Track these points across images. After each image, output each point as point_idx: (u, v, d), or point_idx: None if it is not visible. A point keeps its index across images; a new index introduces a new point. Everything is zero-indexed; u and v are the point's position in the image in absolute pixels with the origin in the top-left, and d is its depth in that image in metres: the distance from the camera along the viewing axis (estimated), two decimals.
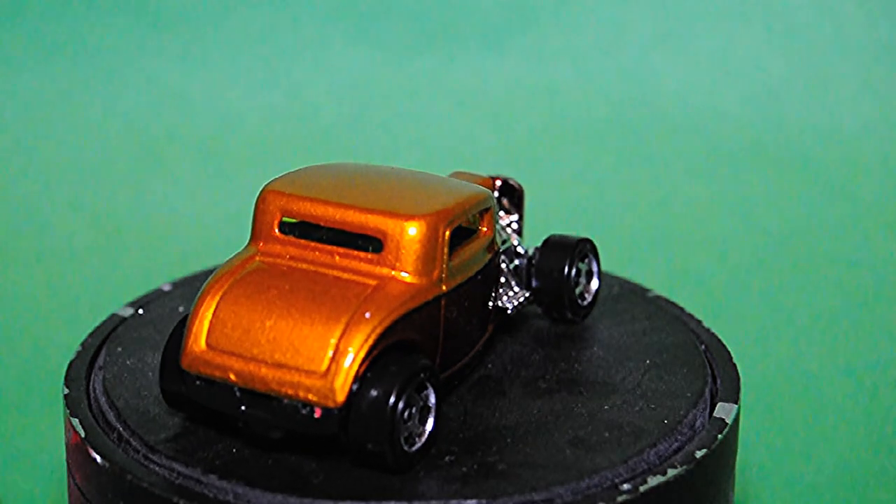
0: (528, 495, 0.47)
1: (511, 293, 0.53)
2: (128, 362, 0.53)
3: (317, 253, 0.49)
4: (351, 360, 0.46)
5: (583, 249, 0.56)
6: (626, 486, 0.47)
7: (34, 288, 0.88)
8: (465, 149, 0.96)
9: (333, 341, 0.46)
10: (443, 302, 0.49)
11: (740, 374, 0.54)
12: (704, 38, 1.00)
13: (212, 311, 0.47)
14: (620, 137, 0.97)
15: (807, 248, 0.92)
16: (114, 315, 0.57)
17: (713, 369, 0.54)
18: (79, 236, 0.92)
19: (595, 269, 0.57)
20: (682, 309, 0.58)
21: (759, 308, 0.87)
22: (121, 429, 0.50)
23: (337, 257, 0.49)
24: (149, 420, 0.50)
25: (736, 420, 0.51)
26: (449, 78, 0.99)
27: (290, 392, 0.46)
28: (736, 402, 0.52)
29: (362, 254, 0.49)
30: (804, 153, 0.97)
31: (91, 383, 0.53)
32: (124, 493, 0.48)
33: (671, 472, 0.48)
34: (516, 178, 0.58)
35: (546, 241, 0.56)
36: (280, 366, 0.46)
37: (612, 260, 0.80)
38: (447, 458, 0.48)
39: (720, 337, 0.56)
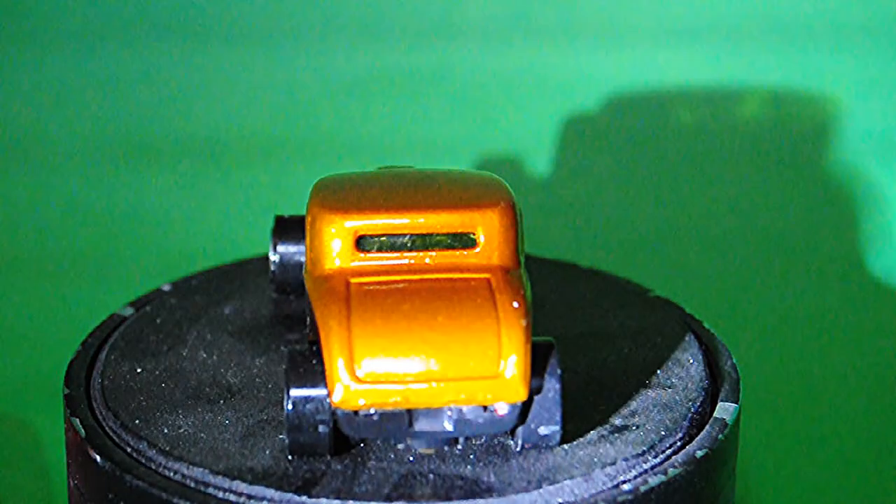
0: (675, 437, 0.49)
1: None
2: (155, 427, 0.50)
3: (410, 261, 0.49)
4: (523, 353, 0.46)
5: None
6: (626, 487, 0.47)
7: (34, 288, 0.88)
8: (465, 148, 0.96)
9: (496, 338, 0.46)
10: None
11: (740, 374, 0.54)
12: (704, 38, 1.00)
13: (347, 343, 0.46)
14: (620, 137, 0.97)
15: (807, 248, 0.92)
16: (114, 315, 0.57)
17: (713, 369, 0.54)
18: (79, 236, 0.92)
19: None
20: (682, 309, 0.58)
21: (759, 308, 0.87)
22: (246, 491, 0.47)
23: (429, 260, 0.48)
24: (252, 470, 0.47)
25: (736, 420, 0.51)
26: (449, 77, 0.99)
27: (470, 399, 0.46)
28: (736, 402, 0.52)
29: (456, 251, 0.48)
30: (804, 153, 0.97)
31: (92, 385, 0.53)
32: (124, 493, 0.48)
33: (671, 473, 0.48)
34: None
35: None
36: (450, 377, 0.46)
37: (613, 260, 0.80)
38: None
39: (720, 337, 0.56)
